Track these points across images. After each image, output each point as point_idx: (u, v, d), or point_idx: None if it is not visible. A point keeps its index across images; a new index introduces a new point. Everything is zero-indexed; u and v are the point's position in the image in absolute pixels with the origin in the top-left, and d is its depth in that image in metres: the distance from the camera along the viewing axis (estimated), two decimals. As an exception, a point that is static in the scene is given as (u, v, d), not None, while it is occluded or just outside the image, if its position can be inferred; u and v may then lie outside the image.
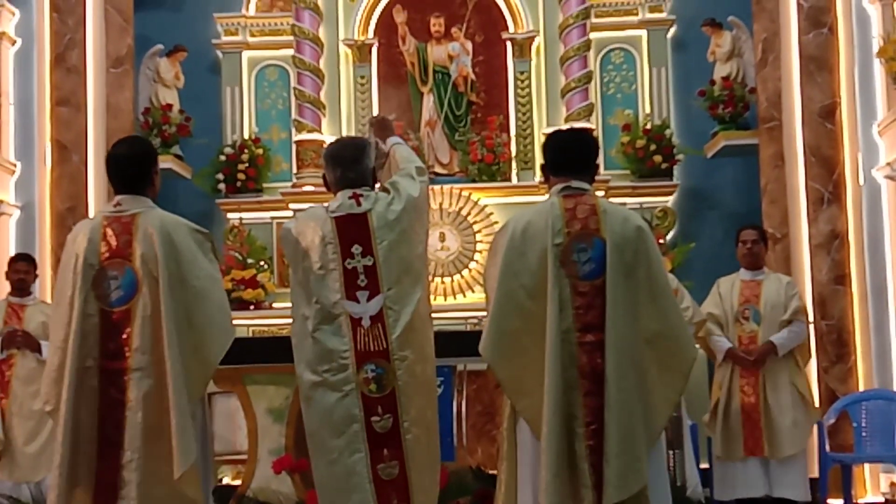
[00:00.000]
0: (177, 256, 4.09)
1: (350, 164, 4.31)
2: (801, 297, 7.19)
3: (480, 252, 9.38)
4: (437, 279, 9.38)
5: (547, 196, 4.26)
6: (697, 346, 6.42)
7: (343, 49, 10.08)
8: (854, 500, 7.67)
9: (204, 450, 4.17)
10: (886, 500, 7.80)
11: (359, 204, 4.24)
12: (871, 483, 8.04)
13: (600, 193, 4.29)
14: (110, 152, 4.35)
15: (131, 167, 4.25)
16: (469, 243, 9.52)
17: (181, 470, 3.93)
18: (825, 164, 8.45)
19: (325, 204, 4.33)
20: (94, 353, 4.05)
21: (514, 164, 9.87)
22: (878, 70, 8.10)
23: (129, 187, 4.23)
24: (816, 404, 8.06)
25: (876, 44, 8.06)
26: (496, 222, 9.34)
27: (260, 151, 9.96)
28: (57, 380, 4.07)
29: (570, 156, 4.21)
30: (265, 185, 9.98)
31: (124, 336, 4.05)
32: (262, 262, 9.64)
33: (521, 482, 3.98)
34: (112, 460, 3.99)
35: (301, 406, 4.23)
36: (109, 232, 4.14)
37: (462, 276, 9.52)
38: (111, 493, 3.97)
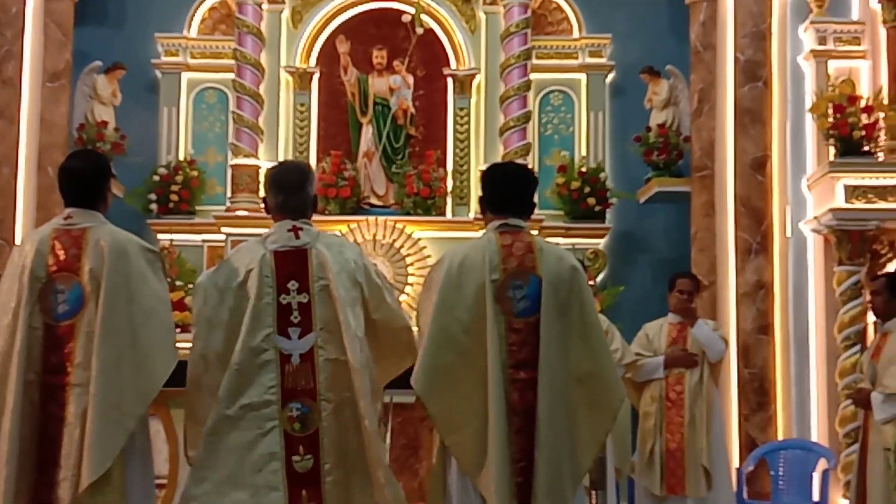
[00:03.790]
0: (126, 274, 4.03)
1: (293, 190, 4.23)
2: (725, 335, 7.31)
3: (412, 285, 9.38)
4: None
5: (483, 231, 4.27)
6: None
7: (284, 76, 10.06)
8: (769, 548, 7.77)
9: (144, 473, 4.08)
10: (801, 548, 7.91)
11: (297, 237, 4.16)
12: (787, 531, 8.14)
13: (534, 233, 4.32)
14: (65, 164, 4.28)
15: (85, 181, 4.20)
16: (401, 276, 9.52)
17: (86, 482, 3.85)
18: (754, 215, 8.60)
19: (262, 234, 4.26)
20: (37, 366, 3.99)
21: (449, 200, 9.91)
22: (810, 125, 8.30)
23: (81, 201, 4.17)
24: (736, 451, 8.18)
25: (809, 100, 8.26)
26: (429, 256, 9.36)
27: (195, 173, 9.88)
28: None
29: (509, 191, 4.24)
30: (198, 207, 9.90)
31: (67, 351, 3.99)
32: (190, 285, 9.54)
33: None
34: (49, 477, 3.92)
35: (203, 439, 4.04)
36: (58, 245, 4.08)
37: (393, 309, 9.50)
38: None
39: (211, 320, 4.09)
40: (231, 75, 9.93)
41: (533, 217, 4.46)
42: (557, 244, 9.06)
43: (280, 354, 4.04)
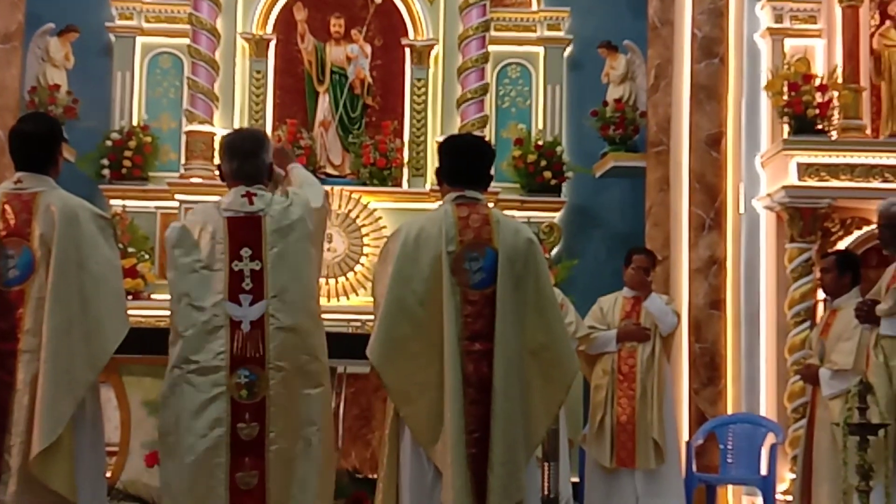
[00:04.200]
0: (77, 239, 3.99)
1: (247, 157, 4.20)
2: (677, 309, 7.38)
3: (367, 255, 9.37)
4: (321, 280, 9.31)
5: (440, 203, 4.27)
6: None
7: (240, 42, 9.97)
8: (716, 520, 7.87)
9: (95, 440, 4.05)
10: (747, 521, 8.03)
11: (251, 203, 4.12)
12: (734, 504, 8.26)
13: (490, 205, 4.33)
14: (16, 127, 4.23)
15: (37, 145, 4.15)
16: (356, 246, 9.50)
17: (38, 448, 3.82)
18: (708, 191, 8.65)
19: (217, 200, 4.24)
20: None
21: (405, 171, 9.90)
22: (765, 103, 8.35)
23: (32, 165, 4.12)
24: (686, 425, 8.27)
25: (764, 77, 8.31)
26: (384, 227, 9.34)
27: (148, 139, 9.79)
28: None
29: (466, 163, 4.24)
30: (151, 173, 9.81)
31: (16, 317, 3.95)
32: (143, 252, 9.47)
33: (403, 488, 3.99)
34: None
35: (160, 403, 4.09)
36: (8, 209, 4.03)
37: (347, 279, 9.49)
38: None
39: (172, 284, 4.11)
40: (186, 40, 9.83)
41: (489, 190, 4.47)
42: (513, 217, 9.11)
43: (230, 321, 4.03)
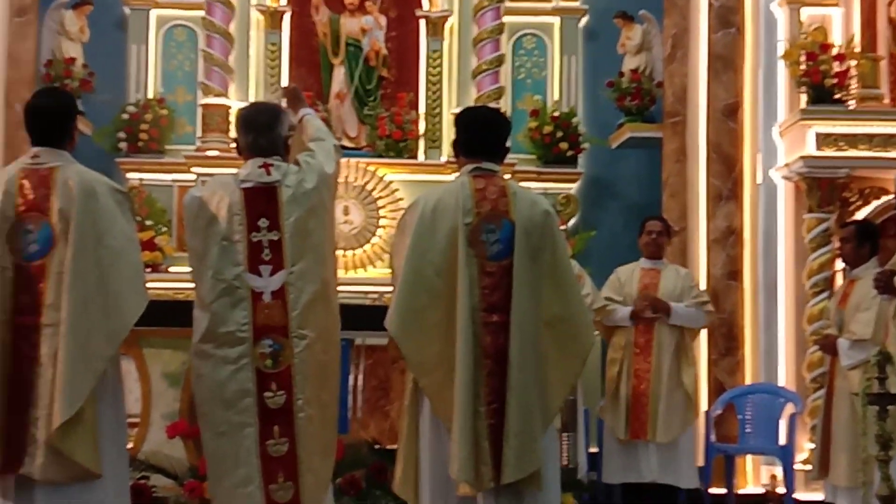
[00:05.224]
0: (95, 214, 4.01)
1: (263, 130, 4.25)
2: (700, 295, 7.36)
3: (384, 227, 9.36)
4: (339, 252, 9.33)
5: (456, 175, 4.28)
6: (596, 332, 6.54)
7: (255, 14, 9.94)
8: (735, 491, 7.88)
9: (116, 412, 4.09)
10: (766, 491, 8.03)
11: (269, 173, 4.17)
12: (753, 474, 8.26)
13: (506, 177, 4.33)
14: (31, 102, 4.26)
15: (53, 119, 4.17)
16: (373, 218, 9.50)
17: (58, 421, 3.86)
18: (725, 162, 8.62)
19: (235, 171, 4.27)
20: (7, 307, 3.98)
21: (421, 142, 9.87)
22: (782, 73, 8.30)
23: (48, 140, 4.14)
24: (705, 395, 8.27)
25: (781, 47, 8.25)
26: (401, 199, 9.34)
27: (164, 112, 9.77)
28: None
29: (482, 135, 4.24)
30: (168, 146, 9.79)
31: (38, 291, 3.98)
32: (160, 225, 9.49)
33: (422, 458, 4.01)
34: (21, 416, 3.94)
35: (192, 376, 4.18)
36: (26, 184, 4.05)
37: (364, 251, 9.50)
38: (19, 449, 3.91)
39: (197, 258, 4.17)
40: (201, 13, 9.79)
41: (505, 161, 4.46)
42: (529, 189, 9.09)
43: (252, 292, 4.08)
